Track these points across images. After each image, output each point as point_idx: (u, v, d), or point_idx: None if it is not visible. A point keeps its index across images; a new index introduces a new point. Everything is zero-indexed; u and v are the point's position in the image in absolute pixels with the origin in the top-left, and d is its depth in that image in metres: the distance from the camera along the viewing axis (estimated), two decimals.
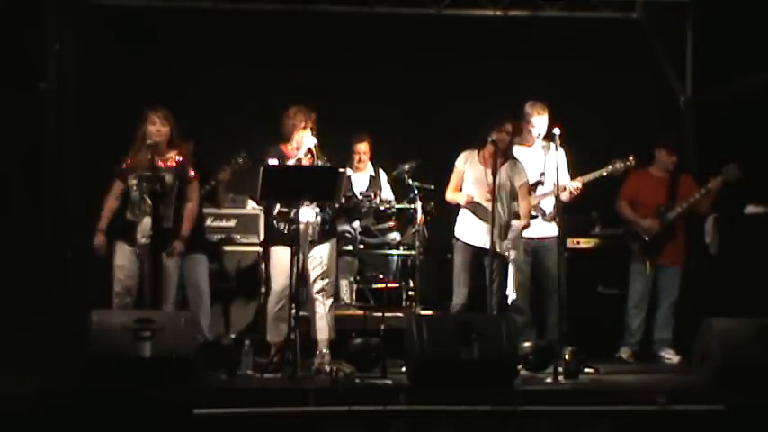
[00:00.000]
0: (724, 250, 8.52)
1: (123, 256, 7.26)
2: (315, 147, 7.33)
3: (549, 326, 7.94)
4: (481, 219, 7.58)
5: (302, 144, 7.37)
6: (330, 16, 9.44)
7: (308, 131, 7.37)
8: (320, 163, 7.33)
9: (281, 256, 7.43)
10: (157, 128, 7.28)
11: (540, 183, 8.01)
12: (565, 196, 7.96)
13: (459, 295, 7.62)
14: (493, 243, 7.44)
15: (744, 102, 8.88)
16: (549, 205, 8.04)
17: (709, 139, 9.23)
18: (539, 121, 8.05)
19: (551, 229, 7.95)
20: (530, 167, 7.88)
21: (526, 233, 7.88)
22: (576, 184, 8.03)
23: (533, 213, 7.94)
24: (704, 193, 8.31)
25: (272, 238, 7.50)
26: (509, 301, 7.68)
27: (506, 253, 7.53)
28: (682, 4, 9.50)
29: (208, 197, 8.10)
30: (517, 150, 7.95)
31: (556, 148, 7.53)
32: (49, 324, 7.97)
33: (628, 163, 8.14)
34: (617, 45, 9.53)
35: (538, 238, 8.02)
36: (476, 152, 7.65)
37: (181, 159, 7.33)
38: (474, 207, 7.62)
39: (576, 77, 9.40)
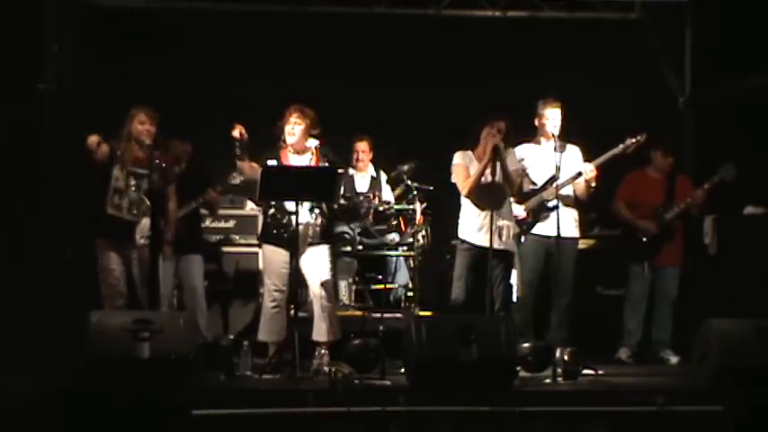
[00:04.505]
0: (723, 251, 8.53)
1: (110, 257, 7.26)
2: (315, 148, 7.34)
3: (552, 327, 7.89)
4: (482, 205, 7.52)
5: (293, 145, 7.37)
6: (328, 17, 9.44)
7: (296, 132, 7.35)
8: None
9: (272, 256, 7.43)
10: (147, 127, 7.31)
11: (555, 177, 7.94)
12: (581, 188, 7.92)
13: (461, 292, 7.57)
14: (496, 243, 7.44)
15: (742, 103, 8.89)
16: (568, 193, 7.95)
17: (708, 140, 9.24)
18: (552, 113, 7.89)
19: (568, 229, 7.88)
20: (545, 165, 7.85)
21: (543, 230, 7.86)
22: (590, 167, 7.88)
23: (550, 205, 7.89)
24: (700, 193, 8.31)
25: (268, 238, 7.50)
26: (514, 298, 7.68)
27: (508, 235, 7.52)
28: (681, 4, 9.52)
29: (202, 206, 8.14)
30: (531, 149, 7.93)
31: (555, 149, 7.53)
32: (49, 324, 7.97)
33: (639, 138, 7.96)
34: (616, 46, 9.53)
35: (555, 237, 7.81)
36: (470, 152, 7.63)
37: (166, 161, 7.35)
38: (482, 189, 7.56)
39: (575, 78, 9.39)
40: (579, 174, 7.85)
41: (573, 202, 7.96)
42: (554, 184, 7.78)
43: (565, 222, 7.80)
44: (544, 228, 7.89)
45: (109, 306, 7.19)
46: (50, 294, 8.27)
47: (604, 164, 7.96)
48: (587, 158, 7.98)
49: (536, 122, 7.99)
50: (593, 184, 7.91)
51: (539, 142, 8.00)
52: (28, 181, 8.56)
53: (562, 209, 7.75)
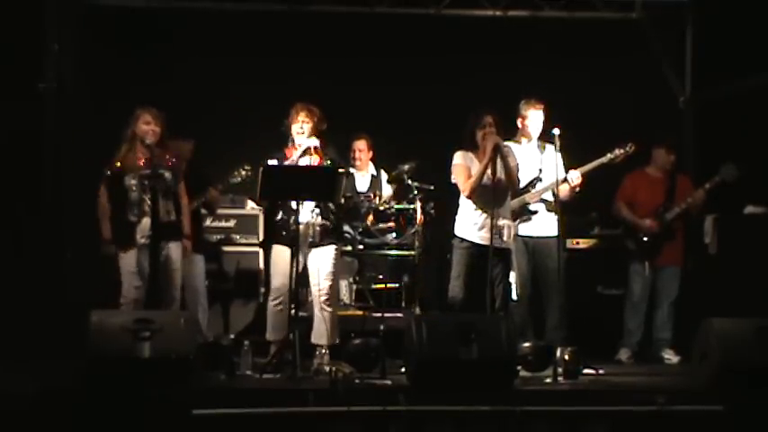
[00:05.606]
0: (723, 250, 8.52)
1: (132, 261, 7.27)
2: (316, 148, 7.33)
3: (548, 327, 7.90)
4: (483, 205, 7.45)
5: (302, 145, 7.38)
6: (329, 17, 9.43)
7: (305, 130, 7.36)
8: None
9: (278, 255, 7.44)
10: (152, 127, 7.30)
11: (538, 179, 7.96)
12: (565, 192, 7.90)
13: (459, 290, 7.53)
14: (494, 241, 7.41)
15: (743, 102, 8.88)
16: (550, 198, 7.93)
17: (709, 140, 9.24)
18: (535, 115, 7.96)
19: (552, 229, 7.89)
20: (525, 165, 7.86)
21: (526, 231, 7.87)
22: (577, 174, 7.90)
23: (533, 209, 7.92)
24: (701, 193, 8.31)
25: (272, 237, 7.49)
26: (514, 296, 7.68)
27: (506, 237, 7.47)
28: (681, 4, 9.52)
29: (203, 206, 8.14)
30: (513, 148, 7.92)
31: (555, 149, 7.52)
32: (50, 324, 7.97)
33: (627, 149, 8.00)
34: (617, 45, 9.52)
35: (538, 237, 7.92)
36: (471, 153, 7.60)
37: (174, 159, 7.35)
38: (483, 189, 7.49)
39: (575, 78, 9.39)
40: (564, 180, 7.86)
41: (555, 205, 7.93)
42: (537, 187, 7.82)
43: (548, 222, 7.84)
44: (527, 228, 7.92)
45: (126, 305, 7.18)
46: (51, 294, 8.27)
47: (591, 172, 7.98)
48: (571, 165, 7.97)
49: (518, 122, 8.03)
50: (578, 190, 7.94)
51: (519, 142, 8.03)
52: (28, 181, 8.56)
53: (544, 212, 7.80)
